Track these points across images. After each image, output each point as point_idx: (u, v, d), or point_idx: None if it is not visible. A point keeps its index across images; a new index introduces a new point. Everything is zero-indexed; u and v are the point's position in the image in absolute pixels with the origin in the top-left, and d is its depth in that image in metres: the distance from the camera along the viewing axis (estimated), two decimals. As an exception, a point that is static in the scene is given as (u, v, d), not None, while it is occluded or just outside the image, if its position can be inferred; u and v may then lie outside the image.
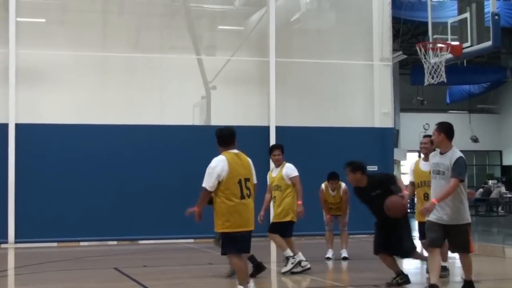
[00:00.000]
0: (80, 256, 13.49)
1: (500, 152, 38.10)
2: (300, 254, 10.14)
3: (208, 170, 7.41)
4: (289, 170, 10.14)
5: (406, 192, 8.51)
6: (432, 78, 15.26)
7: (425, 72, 15.38)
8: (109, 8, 17.62)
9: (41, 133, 15.72)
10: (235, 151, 7.60)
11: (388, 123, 18.18)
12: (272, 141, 16.61)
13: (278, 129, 16.87)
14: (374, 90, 18.38)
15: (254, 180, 7.66)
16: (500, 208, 30.13)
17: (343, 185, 11.76)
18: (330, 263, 11.69)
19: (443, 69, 15.16)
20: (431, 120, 10.10)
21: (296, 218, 10.10)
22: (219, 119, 16.95)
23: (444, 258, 9.20)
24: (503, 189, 30.62)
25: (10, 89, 15.58)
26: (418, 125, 32.44)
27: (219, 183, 7.34)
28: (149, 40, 17.68)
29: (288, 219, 10.02)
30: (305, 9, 18.84)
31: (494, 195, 29.81)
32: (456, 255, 8.09)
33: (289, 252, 10.03)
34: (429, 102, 32.71)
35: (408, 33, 26.33)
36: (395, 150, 20.90)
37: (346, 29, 18.86)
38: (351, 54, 18.60)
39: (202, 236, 14.30)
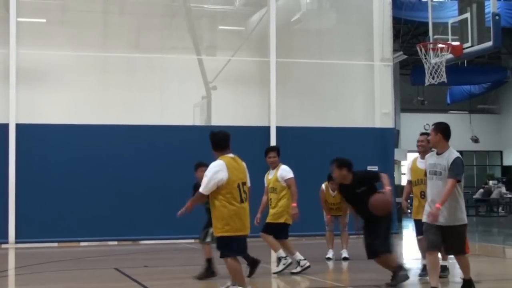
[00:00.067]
0: (80, 256, 13.50)
1: (501, 152, 38.06)
2: (297, 253, 10.13)
3: (207, 174, 7.38)
4: (284, 172, 10.09)
5: (388, 188, 8.45)
6: (433, 78, 15.27)
7: (426, 72, 15.39)
8: (110, 8, 17.63)
9: (42, 133, 15.73)
10: (231, 155, 7.58)
11: (389, 123, 18.19)
12: (273, 141, 16.63)
13: (279, 129, 16.88)
14: (375, 90, 18.39)
15: (248, 184, 7.69)
16: (500, 209, 30.12)
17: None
18: (330, 263, 11.69)
19: (443, 69, 15.17)
20: (431, 120, 10.17)
21: (291, 221, 10.08)
22: (220, 119, 16.97)
23: (444, 257, 9.20)
24: (503, 190, 30.59)
25: (11, 89, 15.59)
26: (418, 125, 32.33)
27: (218, 187, 7.34)
28: (149, 40, 17.69)
29: (281, 220, 9.98)
30: (306, 9, 18.85)
31: (494, 195, 29.80)
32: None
33: (281, 253, 10.02)
34: (430, 102, 32.69)
35: (408, 33, 26.30)
36: (396, 150, 20.89)
37: (347, 29, 18.86)
38: (352, 54, 18.61)
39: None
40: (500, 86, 34.94)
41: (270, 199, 10.15)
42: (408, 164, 9.93)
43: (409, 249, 14.73)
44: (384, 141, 17.86)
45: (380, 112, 18.22)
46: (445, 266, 9.42)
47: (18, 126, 15.54)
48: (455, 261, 7.99)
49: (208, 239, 9.41)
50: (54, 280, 10.16)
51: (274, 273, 9.97)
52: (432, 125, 7.79)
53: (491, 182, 33.14)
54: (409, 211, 10.34)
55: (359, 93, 18.62)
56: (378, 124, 18.10)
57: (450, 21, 15.86)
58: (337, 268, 11.40)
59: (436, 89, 28.44)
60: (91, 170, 15.80)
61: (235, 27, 19.09)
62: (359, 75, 18.66)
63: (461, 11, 15.54)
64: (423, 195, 9.08)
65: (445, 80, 15.24)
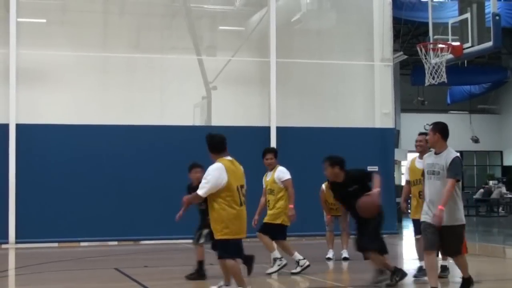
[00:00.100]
0: (80, 256, 13.50)
1: (501, 152, 38.07)
2: (296, 253, 10.12)
3: (207, 177, 7.37)
4: (281, 173, 10.08)
5: (377, 190, 8.42)
6: (433, 78, 15.27)
7: (426, 72, 15.39)
8: (110, 9, 17.62)
9: (42, 133, 15.72)
10: (229, 158, 7.58)
11: (389, 124, 18.18)
12: (273, 141, 16.62)
13: (279, 129, 16.87)
14: (375, 91, 18.38)
15: (245, 187, 7.71)
16: (500, 209, 30.11)
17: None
18: (330, 264, 11.69)
19: (443, 69, 15.17)
20: (431, 121, 10.12)
21: (289, 222, 10.06)
22: (220, 119, 16.97)
23: (444, 257, 9.19)
24: (503, 190, 30.57)
25: (11, 89, 15.58)
26: (418, 126, 32.17)
27: (217, 190, 7.33)
28: (149, 41, 17.68)
29: (278, 221, 9.97)
30: (306, 9, 18.84)
31: (494, 195, 29.79)
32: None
33: (276, 254, 10.03)
34: (430, 102, 32.68)
35: (408, 33, 26.29)
36: (396, 150, 20.88)
37: (347, 29, 18.86)
38: (352, 54, 18.60)
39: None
40: (500, 86, 34.94)
41: (268, 200, 10.15)
42: (406, 164, 9.94)
43: (408, 249, 14.71)
44: (384, 141, 17.85)
45: (380, 112, 18.21)
46: (445, 266, 9.42)
47: (18, 126, 15.54)
48: (454, 261, 7.97)
49: (202, 241, 9.41)
50: (54, 280, 10.17)
51: (268, 273, 9.97)
52: (430, 124, 7.75)
53: (491, 182, 33.14)
54: (408, 211, 10.31)
55: (359, 93, 18.62)
56: (378, 124, 18.09)
57: (450, 21, 15.87)
58: (337, 268, 11.40)
59: (436, 89, 28.43)
60: (91, 170, 15.79)
61: (235, 27, 19.08)
62: (359, 75, 18.66)
63: (461, 11, 15.54)
64: (421, 195, 9.08)
65: (445, 80, 15.24)
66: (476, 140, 33.59)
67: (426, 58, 15.23)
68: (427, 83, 15.61)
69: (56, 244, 15.49)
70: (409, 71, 30.65)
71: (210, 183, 7.30)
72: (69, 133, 15.87)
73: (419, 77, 20.48)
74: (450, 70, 16.01)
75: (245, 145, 14.80)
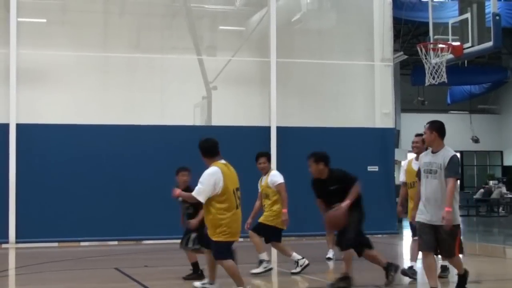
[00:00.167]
0: (80, 256, 13.50)
1: (501, 152, 38.08)
2: (294, 254, 10.12)
3: (203, 182, 7.41)
4: (274, 177, 10.07)
5: (347, 202, 8.32)
6: (433, 78, 15.26)
7: (426, 72, 15.38)
8: (110, 9, 17.62)
9: (42, 133, 15.72)
10: (223, 161, 7.62)
11: (389, 124, 18.17)
12: (273, 141, 16.62)
13: (279, 129, 16.87)
14: (375, 91, 18.37)
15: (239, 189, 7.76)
16: (500, 209, 30.09)
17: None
18: (331, 264, 11.68)
19: (444, 69, 15.16)
20: (432, 121, 10.24)
21: (285, 226, 10.04)
22: (220, 119, 16.97)
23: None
24: (503, 190, 30.57)
25: (11, 89, 15.58)
26: (419, 126, 32.15)
27: (214, 193, 7.39)
28: (150, 41, 17.68)
29: (273, 224, 9.97)
30: (306, 9, 18.84)
31: (494, 195, 29.78)
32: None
33: (264, 256, 10.02)
34: (430, 102, 32.68)
35: (409, 33, 26.32)
36: (396, 150, 20.88)
37: (347, 29, 18.86)
38: (352, 54, 18.60)
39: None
40: (501, 86, 34.96)
41: (264, 204, 10.17)
42: (403, 165, 9.89)
43: (408, 249, 14.69)
44: (385, 141, 17.85)
45: (380, 112, 18.21)
46: (446, 266, 9.41)
47: (18, 126, 15.54)
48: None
49: (190, 245, 9.40)
50: (55, 280, 10.17)
51: (252, 273, 9.90)
52: (427, 123, 7.69)
53: (491, 182, 33.14)
54: (405, 214, 10.28)
55: (360, 93, 18.61)
56: (378, 124, 18.09)
57: (451, 21, 15.86)
58: (337, 268, 11.34)
59: (436, 89, 28.44)
60: (91, 170, 15.79)
61: (236, 27, 19.09)
62: (359, 75, 18.65)
63: (462, 11, 15.53)
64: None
65: (446, 80, 15.24)
66: (476, 140, 33.60)
67: (426, 58, 15.22)
68: (427, 83, 15.60)
69: (56, 244, 15.49)
70: (409, 71, 30.67)
71: (207, 188, 7.36)
72: (69, 133, 15.87)
73: (419, 77, 20.49)
74: (450, 70, 16.00)
75: (245, 145, 14.81)
